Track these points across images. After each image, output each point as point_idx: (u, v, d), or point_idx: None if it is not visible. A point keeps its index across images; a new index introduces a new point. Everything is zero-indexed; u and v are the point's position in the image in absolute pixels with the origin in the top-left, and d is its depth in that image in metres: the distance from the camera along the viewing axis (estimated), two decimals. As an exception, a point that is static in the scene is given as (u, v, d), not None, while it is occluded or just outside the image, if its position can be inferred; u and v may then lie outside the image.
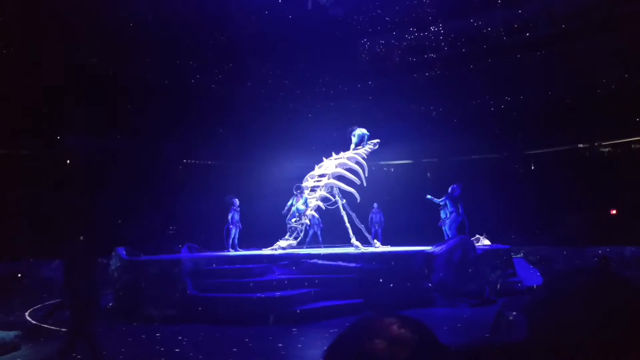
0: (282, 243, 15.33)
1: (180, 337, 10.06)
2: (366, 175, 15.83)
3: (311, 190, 15.75)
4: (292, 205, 15.43)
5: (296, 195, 15.46)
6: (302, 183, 15.78)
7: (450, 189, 15.77)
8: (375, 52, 29.51)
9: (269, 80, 28.34)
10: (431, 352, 0.96)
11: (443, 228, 15.98)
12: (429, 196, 16.01)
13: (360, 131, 16.45)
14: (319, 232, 17.09)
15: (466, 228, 15.51)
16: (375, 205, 17.68)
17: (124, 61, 24.90)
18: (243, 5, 23.78)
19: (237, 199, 15.90)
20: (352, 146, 16.42)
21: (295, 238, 15.49)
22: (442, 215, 16.00)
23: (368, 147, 16.29)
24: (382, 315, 1.03)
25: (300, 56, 26.56)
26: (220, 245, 16.26)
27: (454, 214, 15.54)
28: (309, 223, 15.62)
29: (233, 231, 15.68)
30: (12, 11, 20.93)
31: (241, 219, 15.92)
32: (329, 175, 15.80)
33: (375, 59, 29.46)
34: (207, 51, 26.33)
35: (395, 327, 0.98)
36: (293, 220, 15.35)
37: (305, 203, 15.36)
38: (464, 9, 26.06)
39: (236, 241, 15.76)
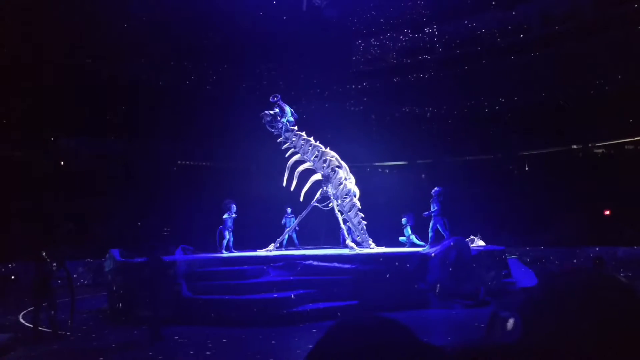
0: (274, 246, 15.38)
1: (174, 339, 10.03)
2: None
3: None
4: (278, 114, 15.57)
5: (280, 104, 15.61)
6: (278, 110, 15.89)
7: (434, 192, 15.71)
8: (370, 53, 29.56)
9: (264, 81, 28.33)
10: (411, 352, 0.96)
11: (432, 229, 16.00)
12: (425, 213, 15.98)
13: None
14: (294, 235, 17.03)
15: (448, 227, 15.49)
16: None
17: (119, 62, 24.84)
18: (238, 7, 23.77)
19: (234, 205, 15.78)
20: None
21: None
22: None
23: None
24: (360, 317, 1.03)
25: (295, 57, 26.56)
26: (215, 247, 16.21)
27: (437, 216, 15.54)
28: (297, 132, 15.50)
29: (227, 234, 15.57)
30: (10, 11, 20.85)
31: (236, 220, 15.82)
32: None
33: (370, 60, 29.51)
34: (202, 52, 26.30)
35: (373, 328, 0.97)
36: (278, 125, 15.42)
37: (293, 114, 15.64)
38: (458, 11, 26.15)
39: (231, 244, 15.69)
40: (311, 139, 15.76)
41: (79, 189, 21.92)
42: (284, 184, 15.62)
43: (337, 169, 15.47)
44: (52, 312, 10.22)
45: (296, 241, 16.95)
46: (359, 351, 0.93)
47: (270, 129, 15.71)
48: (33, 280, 10.45)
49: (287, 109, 15.65)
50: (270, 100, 15.72)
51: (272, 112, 15.48)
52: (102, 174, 23.44)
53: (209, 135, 26.59)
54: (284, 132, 15.54)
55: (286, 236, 16.28)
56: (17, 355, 9.09)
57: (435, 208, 15.50)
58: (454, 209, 16.37)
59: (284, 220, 16.91)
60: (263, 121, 15.59)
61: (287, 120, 15.55)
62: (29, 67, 22.21)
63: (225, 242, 15.49)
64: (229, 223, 15.55)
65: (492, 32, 26.69)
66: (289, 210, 16.93)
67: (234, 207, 15.68)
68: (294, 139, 15.64)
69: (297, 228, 16.65)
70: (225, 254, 15.01)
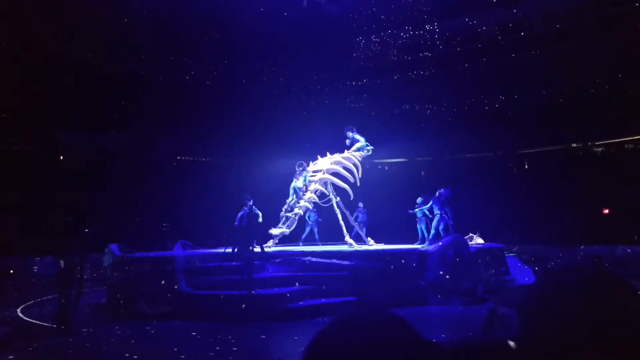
0: (274, 231, 15.22)
1: (173, 334, 10.04)
2: (360, 175, 15.86)
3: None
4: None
5: (297, 173, 15.37)
6: (294, 179, 15.69)
7: (438, 193, 15.69)
8: (370, 50, 29.51)
9: (264, 77, 28.30)
10: (412, 347, 0.96)
11: (419, 226, 15.99)
12: (417, 210, 15.98)
13: (359, 140, 16.33)
14: (315, 230, 17.03)
15: (450, 230, 15.45)
16: (360, 204, 17.62)
17: (118, 58, 24.79)
18: (238, 3, 23.71)
19: (249, 201, 15.77)
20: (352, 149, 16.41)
21: (289, 227, 15.35)
22: (419, 214, 16.04)
23: (364, 152, 16.28)
24: (362, 312, 1.03)
25: (295, 54, 26.51)
26: (214, 243, 16.21)
27: (438, 215, 15.49)
28: (301, 213, 15.47)
29: None
30: (8, 8, 20.79)
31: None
32: (324, 171, 15.80)
33: (370, 57, 29.46)
34: (202, 48, 26.25)
35: (375, 323, 0.97)
36: (289, 200, 15.28)
37: (305, 182, 15.36)
38: (459, 8, 26.08)
39: None
40: (311, 193, 15.58)
41: (77, 184, 21.91)
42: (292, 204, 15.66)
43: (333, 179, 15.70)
44: (66, 307, 10.24)
45: (317, 237, 16.96)
46: (357, 346, 0.93)
47: None
48: (58, 272, 10.45)
49: (301, 179, 15.41)
50: (296, 167, 15.52)
51: (278, 233, 15.25)
52: (101, 169, 23.42)
53: (208, 131, 26.58)
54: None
55: (287, 232, 16.28)
56: (19, 349, 9.09)
57: (436, 210, 15.54)
58: (453, 207, 16.38)
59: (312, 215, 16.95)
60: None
61: (296, 188, 15.36)
62: (28, 63, 22.16)
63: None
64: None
65: (492, 29, 26.65)
66: (360, 205, 17.05)
67: (249, 203, 15.64)
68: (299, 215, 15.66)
69: (319, 220, 16.78)
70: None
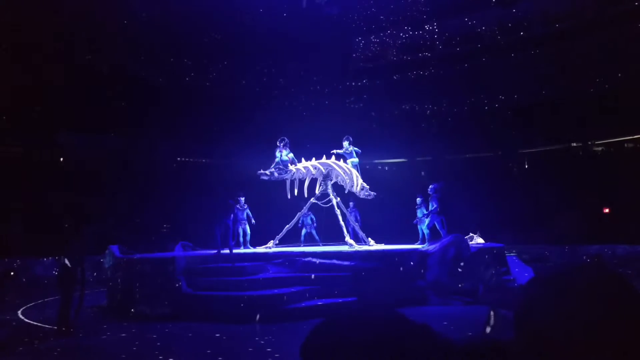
0: (262, 172, 15.17)
1: (173, 336, 10.04)
2: (357, 183, 15.81)
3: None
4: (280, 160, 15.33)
5: (279, 148, 15.26)
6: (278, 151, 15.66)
7: (431, 189, 15.55)
8: (370, 50, 29.50)
9: (264, 78, 28.29)
10: (418, 345, 0.96)
11: (419, 227, 15.96)
12: (420, 216, 15.90)
13: (353, 156, 16.19)
14: (314, 232, 17.03)
15: (445, 226, 15.37)
16: (351, 204, 17.60)
17: (119, 59, 24.80)
18: (238, 4, 23.71)
19: (241, 198, 15.76)
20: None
21: (280, 174, 15.27)
22: (419, 214, 15.95)
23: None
24: (357, 308, 1.03)
25: (295, 54, 26.51)
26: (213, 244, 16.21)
27: (435, 213, 15.41)
28: (293, 170, 15.31)
29: (240, 230, 15.60)
30: (7, 8, 20.80)
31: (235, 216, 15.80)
32: (325, 157, 15.83)
33: (370, 57, 29.45)
34: (202, 49, 26.25)
35: (369, 318, 0.97)
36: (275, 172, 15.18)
37: (289, 155, 15.28)
38: (459, 8, 26.07)
39: (247, 238, 15.76)
40: (308, 164, 15.59)
41: (78, 185, 21.91)
42: (289, 197, 15.58)
43: (334, 167, 15.59)
44: (67, 308, 10.23)
45: (317, 237, 16.97)
46: (351, 343, 0.93)
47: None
48: (60, 274, 10.43)
49: (284, 152, 15.29)
50: (277, 142, 15.41)
51: (267, 172, 15.08)
52: (101, 171, 23.42)
53: (208, 132, 26.57)
54: (280, 176, 15.32)
55: (285, 232, 16.29)
56: (20, 352, 9.08)
57: (434, 206, 15.45)
58: (453, 206, 16.36)
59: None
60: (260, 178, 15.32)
61: (281, 160, 15.21)
62: (27, 63, 22.16)
63: (241, 238, 15.54)
64: (241, 216, 15.56)
65: (492, 29, 26.64)
66: (351, 204, 17.06)
67: (241, 200, 15.65)
68: (292, 173, 15.46)
69: (315, 225, 16.74)
70: (251, 249, 15.11)
